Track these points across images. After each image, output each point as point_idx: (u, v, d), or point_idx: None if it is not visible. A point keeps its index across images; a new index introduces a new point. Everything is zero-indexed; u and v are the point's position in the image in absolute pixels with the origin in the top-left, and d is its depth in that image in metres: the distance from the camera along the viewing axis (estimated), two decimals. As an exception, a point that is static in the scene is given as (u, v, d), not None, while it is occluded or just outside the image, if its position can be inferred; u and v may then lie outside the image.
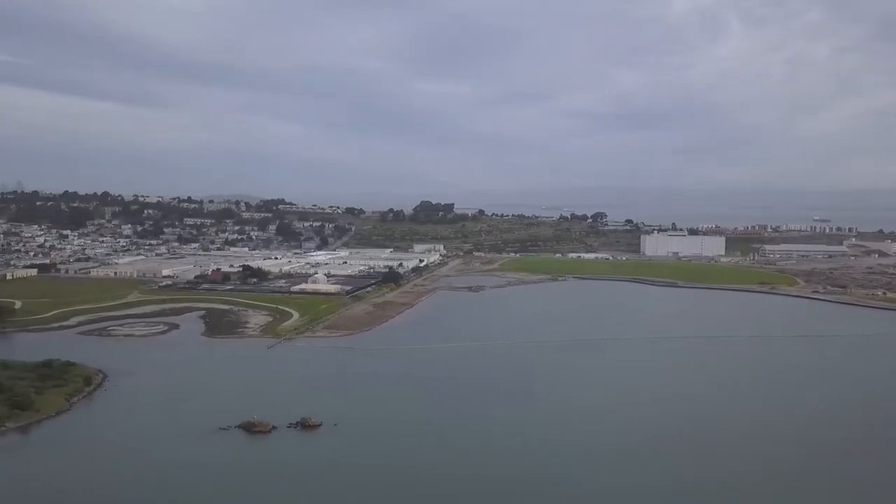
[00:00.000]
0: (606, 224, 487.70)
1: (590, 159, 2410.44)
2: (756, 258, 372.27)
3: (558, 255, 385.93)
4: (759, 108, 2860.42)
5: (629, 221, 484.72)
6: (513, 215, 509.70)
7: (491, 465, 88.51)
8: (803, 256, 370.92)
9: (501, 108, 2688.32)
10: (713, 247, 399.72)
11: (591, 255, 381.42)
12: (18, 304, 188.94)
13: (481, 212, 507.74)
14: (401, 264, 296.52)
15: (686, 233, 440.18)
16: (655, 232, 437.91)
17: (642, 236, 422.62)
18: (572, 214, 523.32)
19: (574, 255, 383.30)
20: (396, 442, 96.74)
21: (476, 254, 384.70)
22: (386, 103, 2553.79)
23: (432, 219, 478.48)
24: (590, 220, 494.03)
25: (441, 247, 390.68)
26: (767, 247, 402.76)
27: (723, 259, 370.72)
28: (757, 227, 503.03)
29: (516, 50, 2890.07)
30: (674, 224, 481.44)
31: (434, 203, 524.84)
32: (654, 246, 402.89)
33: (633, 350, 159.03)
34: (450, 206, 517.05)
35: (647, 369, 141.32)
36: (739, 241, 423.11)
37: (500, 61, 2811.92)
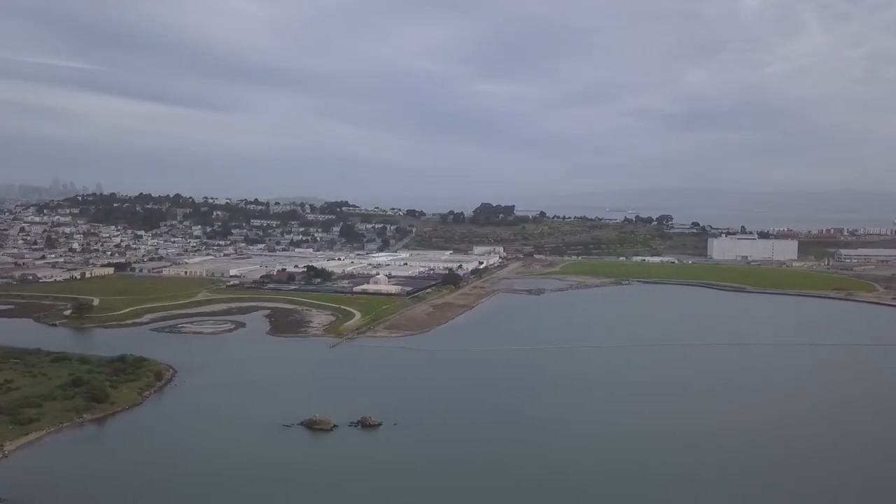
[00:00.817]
0: (672, 227, 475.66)
1: (656, 160, 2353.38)
2: (831, 263, 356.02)
3: (622, 258, 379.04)
4: (838, 106, 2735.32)
5: (696, 224, 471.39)
6: (575, 217, 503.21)
7: (549, 466, 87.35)
8: (883, 262, 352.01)
9: (566, 109, 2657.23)
10: (785, 251, 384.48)
11: (657, 259, 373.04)
12: (96, 302, 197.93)
13: (542, 214, 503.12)
14: (460, 266, 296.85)
15: (756, 236, 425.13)
16: (724, 235, 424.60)
17: (710, 239, 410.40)
18: (637, 217, 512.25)
19: (638, 258, 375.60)
20: (456, 443, 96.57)
21: (537, 256, 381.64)
22: (449, 106, 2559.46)
23: (492, 221, 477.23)
24: (655, 223, 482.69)
25: (501, 249, 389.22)
26: (843, 251, 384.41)
27: (795, 263, 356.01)
28: (832, 231, 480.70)
29: (582, 50, 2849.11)
30: (743, 227, 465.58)
31: (494, 205, 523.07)
32: (722, 249, 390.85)
33: (702, 356, 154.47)
34: (510, 208, 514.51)
35: (719, 379, 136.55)
36: (813, 245, 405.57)
37: (565, 62, 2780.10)
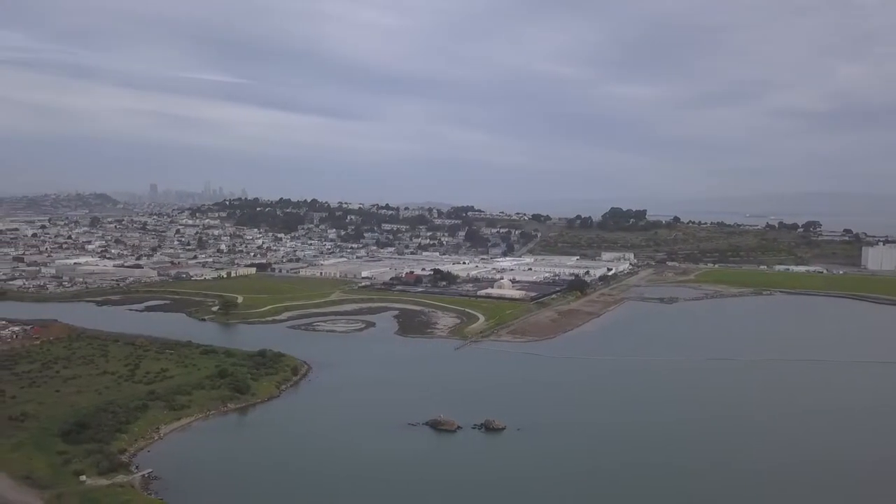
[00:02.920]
0: (820, 234, 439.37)
1: (802, 162, 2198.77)
2: None
3: (763, 266, 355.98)
4: None
5: (848, 231, 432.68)
6: (711, 223, 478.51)
7: (674, 477, 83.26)
8: None
9: (700, 109, 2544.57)
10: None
11: (802, 268, 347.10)
12: (240, 299, 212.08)
13: (676, 219, 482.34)
14: (587, 272, 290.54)
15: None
16: (881, 243, 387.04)
17: (864, 248, 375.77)
18: (780, 223, 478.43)
19: (782, 267, 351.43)
20: (580, 451, 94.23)
21: (669, 263, 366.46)
22: (577, 109, 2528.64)
23: (622, 226, 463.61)
24: (801, 230, 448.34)
25: (631, 255, 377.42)
26: None
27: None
28: None
29: (719, 48, 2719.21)
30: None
31: (624, 210, 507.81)
32: (879, 259, 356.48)
33: (856, 375, 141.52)
34: (641, 213, 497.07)
35: (872, 400, 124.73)
36: None
37: (701, 60, 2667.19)
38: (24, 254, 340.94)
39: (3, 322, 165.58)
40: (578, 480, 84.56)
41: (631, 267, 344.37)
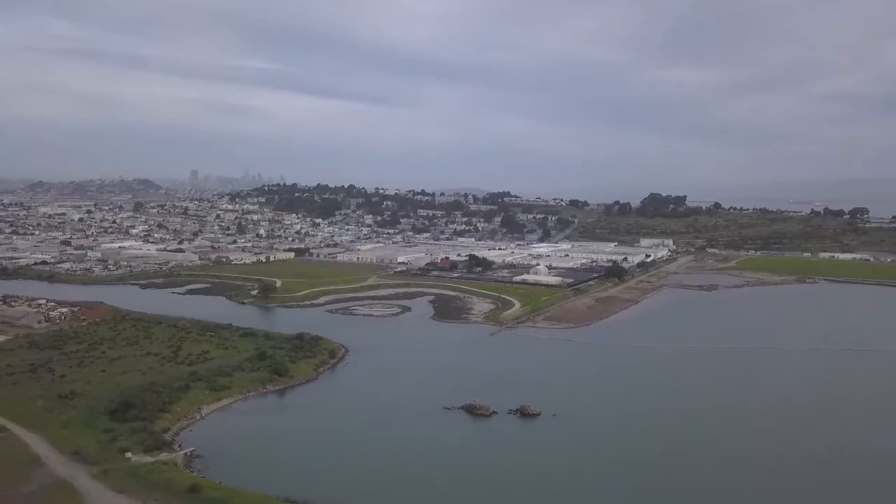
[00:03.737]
0: (868, 221, 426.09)
1: (848, 148, 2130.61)
2: None
3: (807, 254, 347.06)
4: None
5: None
6: (753, 209, 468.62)
7: (705, 468, 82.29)
8: None
9: (745, 95, 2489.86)
10: None
11: (848, 256, 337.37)
12: (279, 283, 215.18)
13: (717, 205, 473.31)
14: (625, 259, 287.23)
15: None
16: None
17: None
18: (825, 209, 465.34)
19: (827, 254, 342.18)
20: (616, 439, 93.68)
21: (710, 250, 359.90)
22: (618, 94, 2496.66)
23: (661, 212, 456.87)
24: (847, 216, 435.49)
25: (670, 242, 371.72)
26: None
27: None
28: None
29: (770, 31, 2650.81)
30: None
31: (664, 195, 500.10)
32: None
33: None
34: (681, 199, 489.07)
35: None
36: None
37: (745, 45, 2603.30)
38: (71, 238, 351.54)
39: (53, 304, 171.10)
40: (614, 468, 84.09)
41: (670, 254, 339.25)
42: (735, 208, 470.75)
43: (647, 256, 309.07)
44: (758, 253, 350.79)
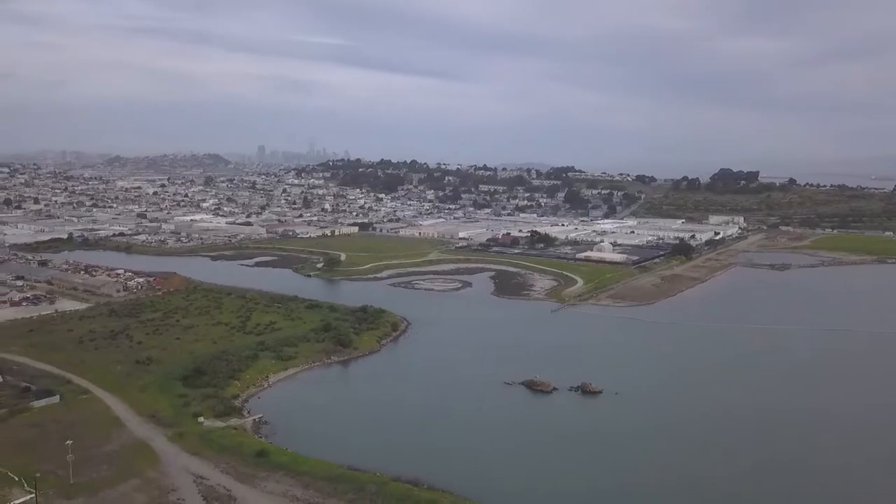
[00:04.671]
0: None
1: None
2: None
3: (889, 233, 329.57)
4: None
5: None
6: (831, 186, 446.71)
7: (778, 450, 79.88)
8: None
9: (823, 66, 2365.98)
10: None
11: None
12: (343, 257, 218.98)
13: (792, 181, 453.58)
14: (693, 236, 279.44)
15: None
16: None
17: None
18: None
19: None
20: (678, 418, 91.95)
21: (783, 228, 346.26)
22: (689, 67, 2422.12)
23: (732, 188, 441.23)
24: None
25: (741, 219, 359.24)
26: None
27: None
28: None
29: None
30: None
31: (735, 171, 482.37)
32: None
33: None
34: (753, 175, 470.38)
35: None
36: None
37: (824, 13, 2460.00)
38: (146, 210, 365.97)
39: (130, 273, 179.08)
40: (676, 448, 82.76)
41: (740, 231, 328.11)
42: (811, 184, 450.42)
43: (716, 234, 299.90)
44: (835, 231, 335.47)
